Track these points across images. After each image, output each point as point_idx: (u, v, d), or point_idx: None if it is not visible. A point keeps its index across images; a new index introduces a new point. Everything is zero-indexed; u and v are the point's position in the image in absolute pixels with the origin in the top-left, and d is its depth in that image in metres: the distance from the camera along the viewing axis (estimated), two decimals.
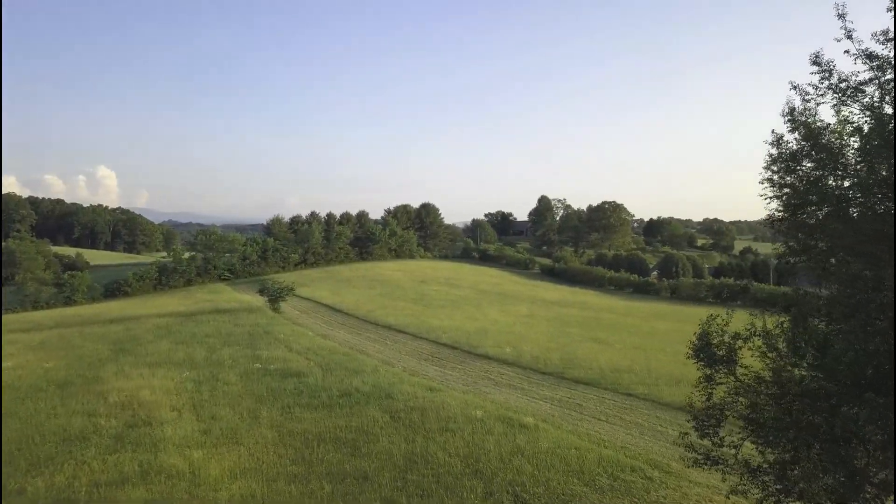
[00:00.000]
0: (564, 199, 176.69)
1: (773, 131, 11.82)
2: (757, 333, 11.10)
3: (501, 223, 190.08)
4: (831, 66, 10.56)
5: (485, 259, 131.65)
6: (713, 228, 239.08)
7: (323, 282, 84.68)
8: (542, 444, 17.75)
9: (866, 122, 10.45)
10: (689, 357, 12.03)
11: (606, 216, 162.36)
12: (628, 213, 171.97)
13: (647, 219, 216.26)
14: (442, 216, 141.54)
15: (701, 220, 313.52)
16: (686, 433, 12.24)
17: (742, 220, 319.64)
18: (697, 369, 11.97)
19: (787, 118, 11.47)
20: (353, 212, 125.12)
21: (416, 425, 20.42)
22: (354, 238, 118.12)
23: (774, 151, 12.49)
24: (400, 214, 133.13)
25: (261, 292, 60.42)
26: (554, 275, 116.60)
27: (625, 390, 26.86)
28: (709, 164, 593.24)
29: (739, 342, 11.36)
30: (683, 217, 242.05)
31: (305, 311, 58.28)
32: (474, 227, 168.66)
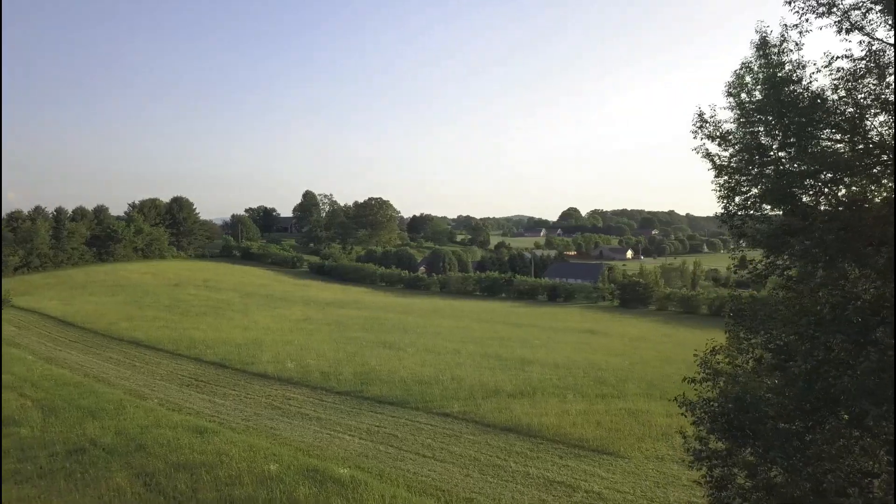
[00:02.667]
0: (331, 195, 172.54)
1: (739, 67, 8.52)
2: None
3: (265, 219, 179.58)
4: None
5: (248, 258, 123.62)
6: (470, 224, 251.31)
7: (51, 289, 71.05)
8: None
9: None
10: (705, 429, 8.01)
11: (373, 212, 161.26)
12: (394, 210, 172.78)
13: (409, 216, 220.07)
14: (197, 211, 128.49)
15: (455, 216, 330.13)
16: None
17: (490, 216, 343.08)
18: (695, 437, 8.00)
19: (757, 52, 8.25)
20: (90, 206, 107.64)
21: (186, 498, 14.51)
22: (92, 237, 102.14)
23: (715, 107, 9.30)
24: (147, 209, 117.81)
25: None
26: (324, 273, 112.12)
27: (439, 409, 23.12)
28: (460, 164, 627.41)
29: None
30: (440, 214, 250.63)
31: (26, 326, 46.67)
32: (235, 224, 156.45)
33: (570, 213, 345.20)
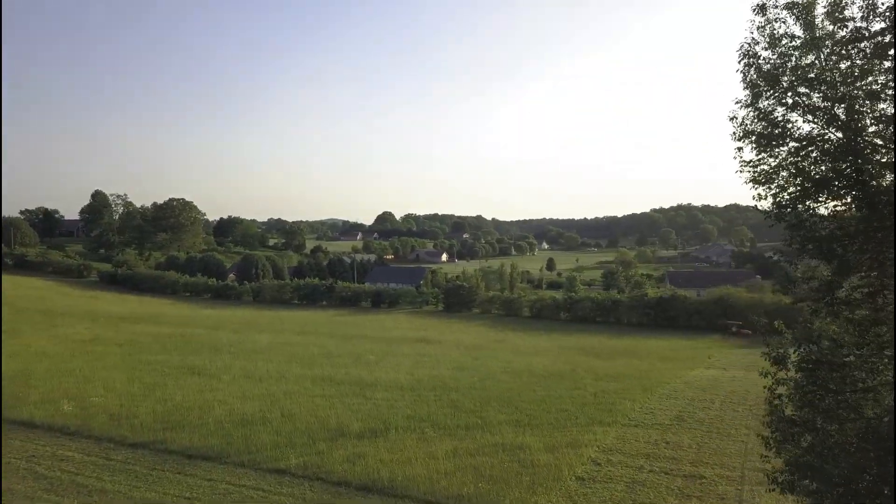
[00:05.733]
0: (125, 195, 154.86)
1: None
2: None
3: (45, 222, 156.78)
4: None
5: (23, 267, 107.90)
6: (284, 228, 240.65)
7: None
8: None
9: None
10: None
11: (175, 214, 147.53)
12: (199, 212, 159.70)
13: (215, 218, 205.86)
14: None
15: (266, 219, 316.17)
16: None
17: (303, 219, 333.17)
18: None
19: None
20: None
21: None
22: None
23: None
24: None
25: None
26: (117, 282, 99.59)
27: (271, 464, 18.12)
28: (269, 165, 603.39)
29: None
30: (249, 217, 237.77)
31: None
32: (7, 228, 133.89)
33: (385, 217, 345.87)
